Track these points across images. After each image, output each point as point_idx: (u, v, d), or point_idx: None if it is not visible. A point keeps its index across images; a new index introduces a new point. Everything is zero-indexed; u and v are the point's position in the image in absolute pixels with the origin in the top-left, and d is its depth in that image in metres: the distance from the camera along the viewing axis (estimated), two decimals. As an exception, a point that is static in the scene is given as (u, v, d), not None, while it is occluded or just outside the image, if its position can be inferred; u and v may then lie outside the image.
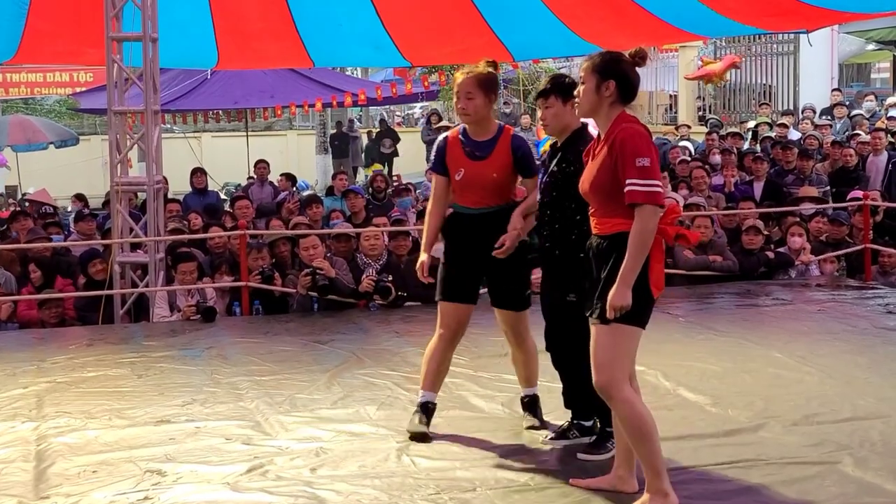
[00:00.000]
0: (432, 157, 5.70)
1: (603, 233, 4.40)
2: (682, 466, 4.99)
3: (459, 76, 5.51)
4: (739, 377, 6.67)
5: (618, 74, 4.40)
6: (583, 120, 5.09)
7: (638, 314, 4.32)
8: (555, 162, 5.17)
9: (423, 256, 5.67)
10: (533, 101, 24.95)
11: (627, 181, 4.24)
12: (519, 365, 5.72)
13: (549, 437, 5.46)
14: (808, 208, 11.27)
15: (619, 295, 4.22)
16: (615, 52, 4.49)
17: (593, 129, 4.86)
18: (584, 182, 4.48)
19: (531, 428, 5.58)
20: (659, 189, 4.24)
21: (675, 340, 7.69)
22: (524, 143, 5.60)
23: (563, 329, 5.19)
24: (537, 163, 5.48)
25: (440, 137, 5.70)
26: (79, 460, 5.31)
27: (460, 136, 5.56)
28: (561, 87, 5.16)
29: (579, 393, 5.30)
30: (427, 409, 5.56)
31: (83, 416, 6.10)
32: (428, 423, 5.52)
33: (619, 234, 4.32)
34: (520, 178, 5.65)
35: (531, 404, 5.72)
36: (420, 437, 5.43)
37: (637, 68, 4.46)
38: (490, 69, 5.50)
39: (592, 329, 4.43)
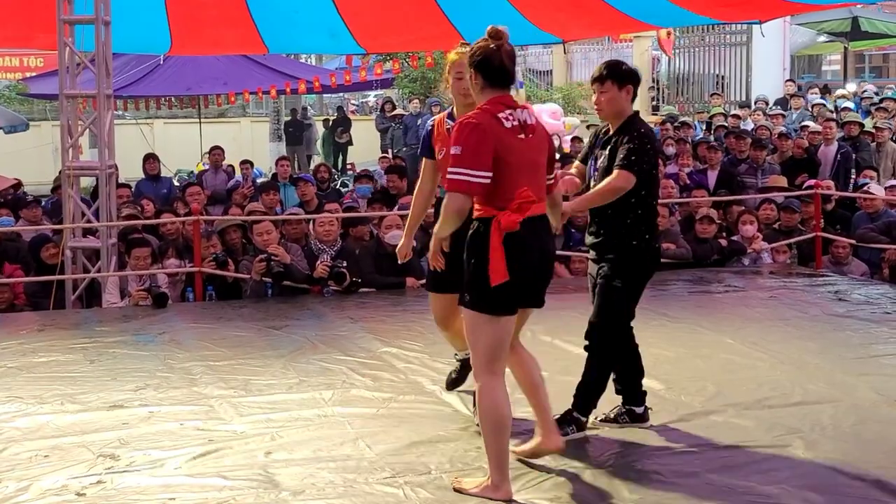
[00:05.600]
0: (421, 142, 5.60)
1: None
2: (635, 450, 5.05)
3: (453, 56, 5.26)
4: (692, 363, 6.73)
5: (478, 64, 4.44)
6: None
7: (477, 302, 4.38)
8: (609, 149, 5.19)
9: (403, 240, 5.58)
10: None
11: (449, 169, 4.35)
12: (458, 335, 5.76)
13: (598, 418, 5.44)
14: (774, 196, 11.35)
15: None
16: (478, 42, 4.49)
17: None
18: None
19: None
20: (462, 177, 4.26)
21: (629, 326, 7.73)
22: None
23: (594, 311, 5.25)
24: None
25: (428, 122, 5.57)
26: (31, 445, 5.26)
27: (446, 118, 5.42)
28: (617, 73, 5.21)
29: (629, 379, 5.39)
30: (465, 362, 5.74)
31: (35, 401, 6.05)
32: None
33: (475, 220, 4.42)
34: None
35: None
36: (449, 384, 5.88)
37: (503, 46, 4.45)
38: None
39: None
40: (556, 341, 7.26)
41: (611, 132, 5.28)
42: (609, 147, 5.21)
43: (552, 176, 4.73)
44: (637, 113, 5.33)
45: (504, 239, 4.29)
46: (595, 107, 5.32)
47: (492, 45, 4.44)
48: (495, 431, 4.43)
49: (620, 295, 5.19)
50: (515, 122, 4.40)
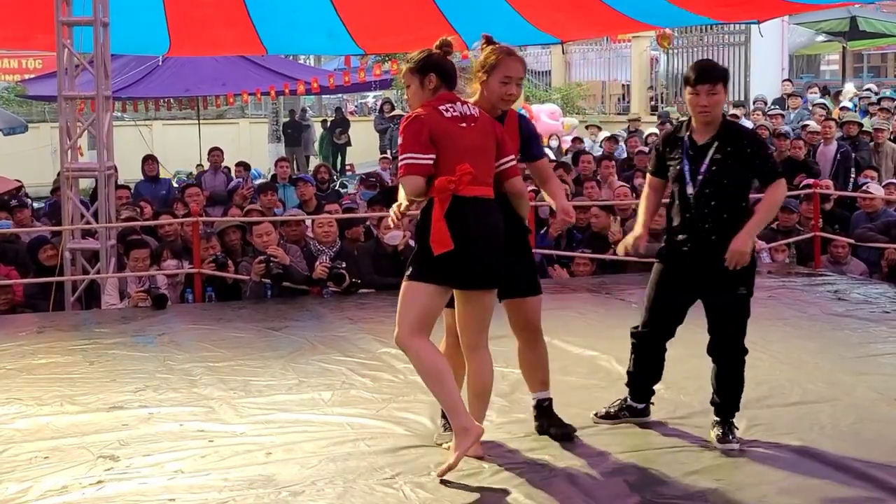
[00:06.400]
0: None
1: None
2: (634, 449, 5.05)
3: (495, 57, 5.04)
4: (691, 362, 6.67)
5: (435, 67, 4.79)
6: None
7: (417, 271, 4.66)
8: (712, 152, 4.99)
9: None
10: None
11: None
12: (535, 367, 5.23)
13: (598, 414, 5.42)
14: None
15: None
16: (425, 50, 4.85)
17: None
18: None
19: (562, 436, 5.17)
20: (410, 161, 4.61)
21: (629, 326, 7.71)
22: (529, 122, 5.42)
23: (725, 324, 5.12)
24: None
25: None
26: (30, 446, 5.26)
27: None
28: (726, 77, 5.08)
29: (646, 379, 5.36)
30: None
31: (34, 403, 6.05)
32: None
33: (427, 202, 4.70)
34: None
35: (549, 409, 5.27)
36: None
37: (448, 57, 4.86)
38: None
39: None
40: (555, 341, 7.24)
41: (698, 137, 5.05)
42: (714, 153, 4.98)
43: (509, 159, 4.89)
44: (725, 115, 5.20)
45: (445, 214, 4.57)
46: (701, 108, 4.99)
47: (444, 54, 4.83)
48: (438, 382, 4.65)
49: (747, 301, 5.09)
50: (456, 113, 4.72)
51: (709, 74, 5.01)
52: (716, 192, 5.01)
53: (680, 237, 5.13)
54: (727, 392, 5.16)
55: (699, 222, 5.06)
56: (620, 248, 5.32)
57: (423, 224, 4.65)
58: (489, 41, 5.13)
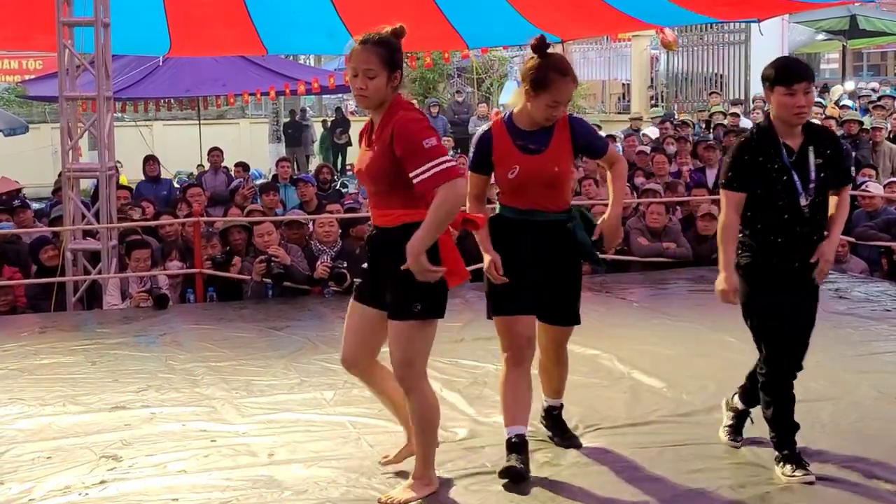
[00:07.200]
0: (472, 154, 4.90)
1: (385, 225, 4.30)
2: (637, 448, 5.05)
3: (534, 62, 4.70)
4: (693, 361, 6.73)
5: (400, 64, 4.31)
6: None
7: (432, 308, 4.25)
8: (812, 157, 4.58)
9: (487, 256, 4.76)
10: (480, 90, 25.04)
11: (426, 165, 4.04)
12: (552, 378, 5.10)
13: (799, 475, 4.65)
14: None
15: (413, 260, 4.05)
16: (392, 40, 4.33)
17: None
18: (368, 169, 4.27)
19: (567, 447, 5.09)
20: (453, 163, 4.08)
21: (630, 325, 7.77)
22: (583, 122, 4.90)
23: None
24: None
25: (482, 130, 4.90)
26: (33, 447, 5.27)
27: (504, 125, 4.79)
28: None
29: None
30: (515, 447, 4.67)
31: (37, 403, 6.06)
32: (523, 461, 4.64)
33: (402, 226, 4.19)
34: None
35: (559, 417, 5.19)
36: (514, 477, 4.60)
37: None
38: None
39: (393, 325, 4.32)
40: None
41: (790, 142, 4.59)
42: (815, 158, 4.58)
43: None
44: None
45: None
46: (798, 108, 4.50)
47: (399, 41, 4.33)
48: (432, 429, 4.43)
49: None
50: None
51: (804, 72, 4.55)
52: (822, 201, 4.65)
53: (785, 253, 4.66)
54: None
55: (812, 235, 4.65)
56: (722, 298, 4.78)
57: (428, 253, 4.11)
58: (541, 46, 4.67)
